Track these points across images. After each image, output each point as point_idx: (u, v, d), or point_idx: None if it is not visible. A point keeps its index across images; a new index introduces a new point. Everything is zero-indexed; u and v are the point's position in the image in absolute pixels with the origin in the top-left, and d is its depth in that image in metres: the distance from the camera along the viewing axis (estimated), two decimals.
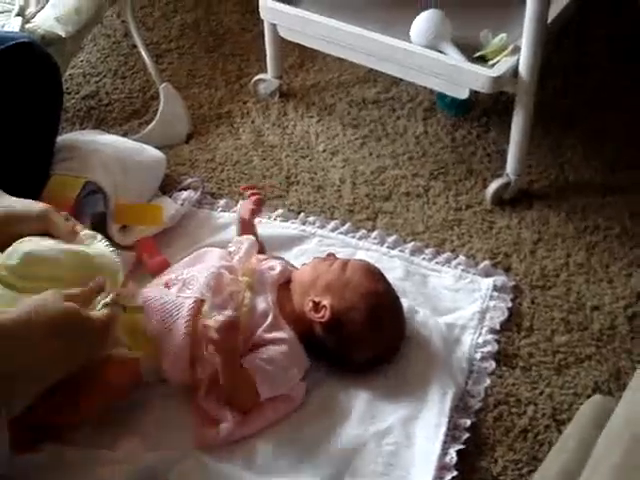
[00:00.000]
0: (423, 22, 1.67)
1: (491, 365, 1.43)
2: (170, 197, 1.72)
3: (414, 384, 1.38)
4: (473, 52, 1.65)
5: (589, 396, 1.37)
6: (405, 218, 1.71)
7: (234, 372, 1.29)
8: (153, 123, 1.88)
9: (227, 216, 1.69)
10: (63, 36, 1.65)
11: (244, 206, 1.55)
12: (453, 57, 1.63)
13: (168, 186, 1.76)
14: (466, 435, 1.32)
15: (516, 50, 1.59)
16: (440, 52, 1.64)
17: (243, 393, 1.30)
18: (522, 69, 1.58)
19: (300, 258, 1.57)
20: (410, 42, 1.67)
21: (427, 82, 1.71)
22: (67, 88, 2.01)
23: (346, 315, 1.36)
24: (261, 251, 1.53)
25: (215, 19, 2.26)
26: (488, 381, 1.41)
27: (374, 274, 1.42)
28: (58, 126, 1.64)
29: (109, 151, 1.66)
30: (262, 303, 1.37)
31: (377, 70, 1.82)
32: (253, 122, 1.95)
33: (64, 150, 1.63)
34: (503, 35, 1.64)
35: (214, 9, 2.29)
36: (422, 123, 1.93)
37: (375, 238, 1.65)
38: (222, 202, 1.73)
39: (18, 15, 1.62)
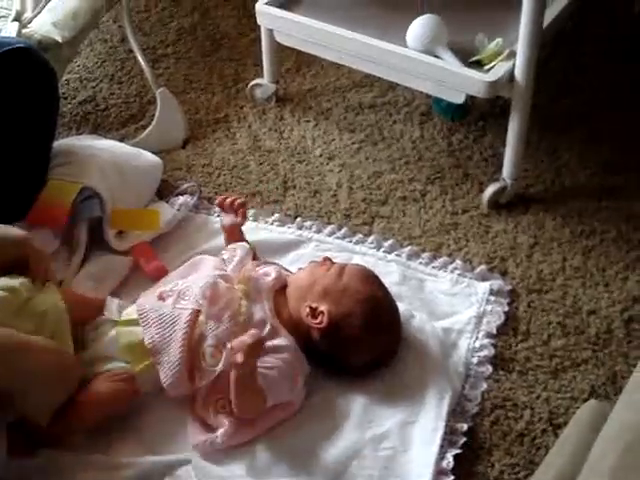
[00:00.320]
0: (419, 27, 1.67)
1: (488, 369, 1.43)
2: (167, 202, 1.72)
3: (411, 388, 1.38)
4: (469, 57, 1.65)
5: (586, 400, 1.37)
6: (402, 222, 1.71)
7: (247, 386, 1.28)
8: (150, 128, 1.88)
9: None
10: (60, 41, 1.65)
11: (227, 214, 1.56)
12: (449, 62, 1.63)
13: (165, 191, 1.76)
14: (463, 439, 1.32)
15: (512, 55, 1.60)
16: (436, 57, 1.65)
17: (252, 403, 1.30)
18: (518, 74, 1.59)
19: (297, 263, 1.57)
20: (406, 47, 1.67)
21: (423, 87, 1.71)
22: (64, 93, 2.01)
23: (343, 320, 1.36)
24: (253, 257, 1.53)
25: (212, 24, 2.27)
26: (485, 385, 1.41)
27: (371, 279, 1.42)
28: (55, 131, 1.64)
29: (106, 156, 1.66)
30: (259, 311, 1.37)
31: (373, 75, 1.83)
32: (250, 127, 1.95)
33: (61, 155, 1.63)
34: (499, 40, 1.64)
35: (211, 14, 2.30)
36: (418, 128, 1.93)
37: (372, 242, 1.65)
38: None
39: (15, 20, 1.63)
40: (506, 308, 1.53)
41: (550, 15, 1.67)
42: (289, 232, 1.68)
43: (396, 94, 2.02)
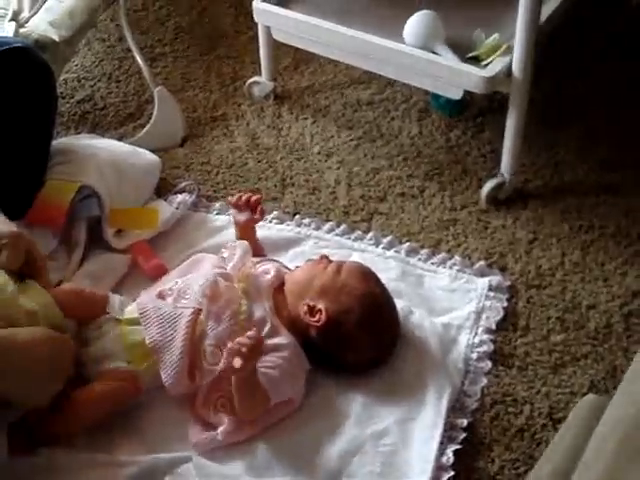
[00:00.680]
0: (416, 23, 1.67)
1: (487, 365, 1.43)
2: (165, 200, 1.72)
3: (411, 385, 1.38)
4: (466, 52, 1.65)
5: (585, 395, 1.37)
6: (400, 219, 1.71)
7: (249, 389, 1.28)
8: (148, 126, 1.88)
9: (223, 219, 1.69)
10: (57, 40, 1.65)
11: (242, 212, 1.54)
12: (446, 58, 1.63)
13: (163, 189, 1.76)
14: (463, 435, 1.33)
15: (509, 50, 1.59)
16: (434, 53, 1.65)
17: (255, 404, 1.30)
18: (515, 69, 1.59)
19: (296, 260, 1.57)
20: (404, 43, 1.67)
21: (421, 83, 1.71)
22: (62, 92, 2.01)
23: (341, 318, 1.36)
24: (261, 254, 1.53)
25: (209, 22, 2.26)
26: (484, 381, 1.41)
27: (368, 276, 1.42)
28: (53, 131, 1.64)
29: (104, 155, 1.66)
30: (259, 309, 1.37)
31: (371, 72, 1.83)
32: (248, 125, 1.95)
33: (59, 154, 1.63)
34: (496, 35, 1.64)
35: (208, 12, 2.30)
36: (416, 124, 1.93)
37: (370, 239, 1.65)
38: (217, 205, 1.73)
39: (12, 20, 1.63)
40: (505, 304, 1.53)
41: (547, 10, 1.67)
42: (288, 229, 1.68)
43: (394, 91, 2.02)
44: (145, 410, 1.35)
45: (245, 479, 1.26)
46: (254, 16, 1.84)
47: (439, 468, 1.28)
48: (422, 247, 1.64)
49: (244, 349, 1.23)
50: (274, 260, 1.50)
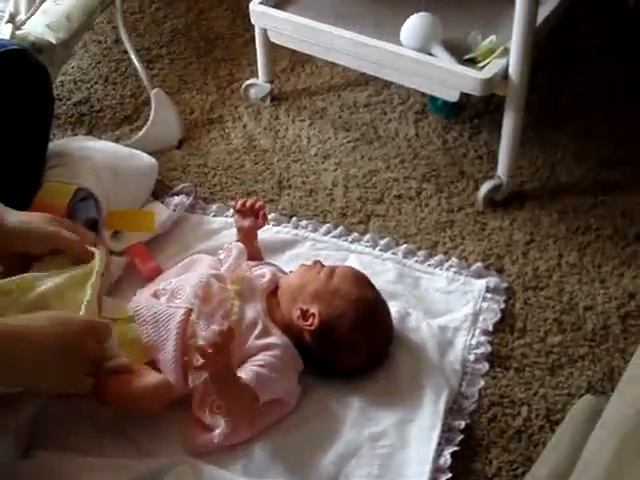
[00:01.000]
0: (413, 25, 1.67)
1: (484, 366, 1.43)
2: (162, 202, 1.71)
3: (408, 387, 1.38)
4: (463, 54, 1.65)
5: (582, 396, 1.37)
6: (397, 221, 1.71)
7: (228, 388, 1.27)
8: (145, 129, 1.88)
9: (220, 221, 1.69)
10: (54, 43, 1.65)
11: (245, 217, 1.54)
12: (443, 60, 1.63)
13: (160, 191, 1.75)
14: (460, 437, 1.32)
15: (506, 52, 1.60)
16: (430, 55, 1.65)
17: (240, 402, 1.29)
18: (512, 71, 1.59)
19: (293, 262, 1.57)
20: (400, 45, 1.67)
21: (418, 85, 1.71)
22: (58, 94, 2.01)
23: (335, 322, 1.35)
24: (258, 257, 1.53)
25: (206, 24, 2.26)
26: (482, 382, 1.41)
27: (361, 280, 1.42)
28: (49, 133, 1.64)
29: (101, 157, 1.66)
30: (251, 311, 1.37)
31: (368, 73, 1.83)
32: (245, 127, 1.95)
33: (55, 157, 1.63)
34: (492, 37, 1.64)
35: (205, 14, 2.30)
36: (413, 126, 1.93)
37: (367, 241, 1.65)
38: (214, 207, 1.73)
39: (8, 22, 1.62)
40: (502, 305, 1.53)
41: (544, 12, 1.67)
42: (285, 231, 1.68)
43: (391, 92, 2.02)
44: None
45: None
46: (251, 18, 1.84)
47: (437, 470, 1.28)
48: (419, 249, 1.64)
49: (207, 347, 1.22)
50: (271, 264, 1.50)
